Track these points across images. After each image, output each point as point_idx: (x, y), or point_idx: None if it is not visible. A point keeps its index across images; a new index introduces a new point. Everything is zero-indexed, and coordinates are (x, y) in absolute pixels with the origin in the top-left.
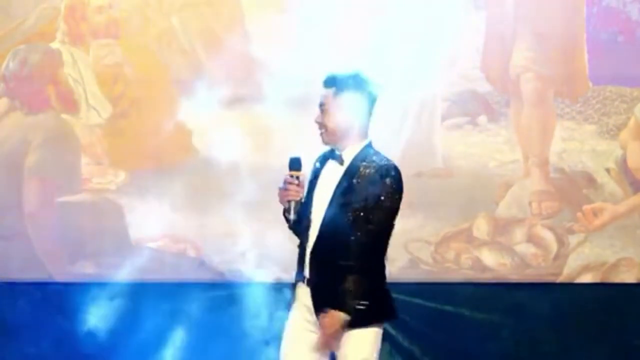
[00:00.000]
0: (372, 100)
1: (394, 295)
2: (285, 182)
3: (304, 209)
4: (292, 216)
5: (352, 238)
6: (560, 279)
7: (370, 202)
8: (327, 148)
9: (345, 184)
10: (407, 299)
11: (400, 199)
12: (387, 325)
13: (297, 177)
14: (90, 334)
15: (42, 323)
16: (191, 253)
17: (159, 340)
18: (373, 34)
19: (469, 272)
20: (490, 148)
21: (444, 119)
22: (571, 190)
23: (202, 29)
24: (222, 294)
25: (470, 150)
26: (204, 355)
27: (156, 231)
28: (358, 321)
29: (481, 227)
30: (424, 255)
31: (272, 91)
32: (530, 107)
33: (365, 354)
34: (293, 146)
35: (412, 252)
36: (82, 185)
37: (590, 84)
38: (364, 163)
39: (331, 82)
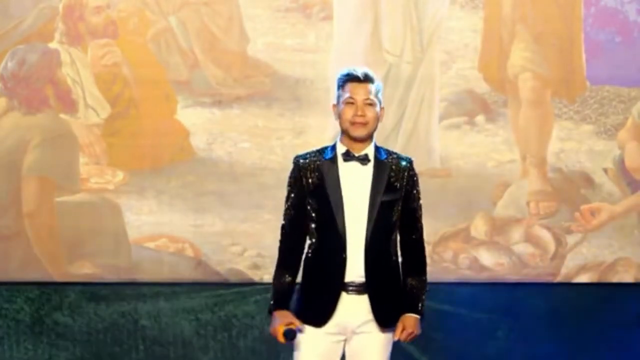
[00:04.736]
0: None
1: None
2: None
3: (327, 217)
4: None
5: (413, 237)
6: (558, 279)
7: (411, 197)
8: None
9: (381, 182)
10: None
11: None
12: None
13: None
14: (89, 334)
15: (41, 323)
16: (189, 253)
17: (158, 339)
18: (370, 34)
19: (466, 272)
20: (488, 148)
21: (441, 119)
22: (569, 190)
23: (200, 29)
24: (220, 294)
25: (468, 150)
26: (202, 355)
27: (154, 231)
28: (394, 319)
29: (479, 227)
30: None
31: (270, 91)
32: (528, 107)
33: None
34: (291, 146)
35: None
36: (80, 185)
37: (588, 84)
38: (390, 159)
39: (370, 78)
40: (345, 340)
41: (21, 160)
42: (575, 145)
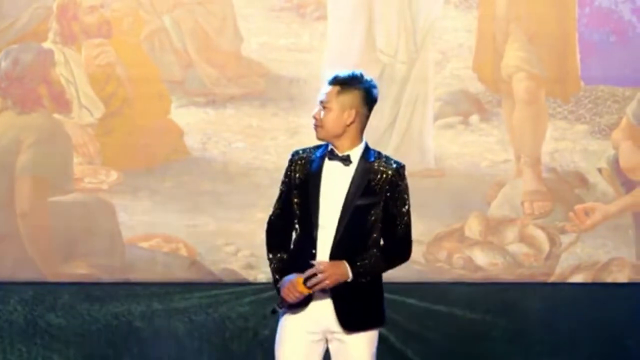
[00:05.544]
0: (372, 102)
1: (386, 295)
2: (297, 292)
3: (306, 213)
4: (279, 306)
5: (391, 241)
6: (552, 279)
7: (391, 203)
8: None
9: (360, 185)
10: (399, 298)
11: None
12: None
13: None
14: (83, 336)
15: (34, 324)
16: (183, 253)
17: (152, 340)
18: (364, 34)
19: (461, 272)
20: (482, 148)
21: (436, 118)
22: (563, 190)
23: (194, 29)
24: (214, 294)
25: (462, 150)
26: (196, 356)
27: (148, 231)
28: (364, 324)
29: (473, 227)
30: (416, 255)
31: (264, 91)
32: (522, 106)
33: (371, 357)
34: (285, 146)
35: None
36: (74, 185)
37: (582, 84)
38: (376, 163)
39: (335, 81)
40: (326, 340)
41: (15, 160)
42: (570, 145)
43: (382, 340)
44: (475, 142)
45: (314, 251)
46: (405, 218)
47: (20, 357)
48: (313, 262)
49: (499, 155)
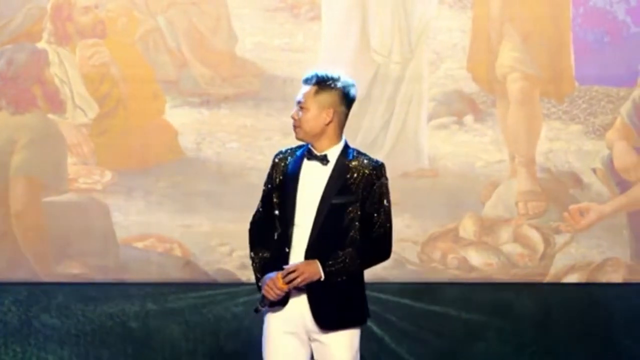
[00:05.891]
0: (350, 101)
1: (381, 295)
2: (277, 288)
3: (284, 212)
4: (261, 305)
5: (368, 239)
6: (547, 279)
7: (368, 201)
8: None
9: (337, 183)
10: (394, 299)
11: None
12: (373, 326)
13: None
14: (77, 336)
15: (29, 324)
16: (177, 253)
17: (146, 341)
18: (358, 34)
19: (455, 272)
20: (476, 148)
21: (430, 119)
22: (558, 190)
23: (188, 29)
24: (208, 294)
25: (456, 150)
26: (190, 357)
27: (142, 231)
28: (341, 323)
29: (467, 227)
30: (410, 256)
31: (259, 91)
32: (516, 107)
33: (352, 356)
34: (279, 146)
35: (398, 252)
36: (68, 185)
37: (577, 84)
38: (354, 162)
39: (312, 80)
40: (310, 340)
41: (9, 160)
42: (564, 145)
43: (377, 340)
44: (470, 142)
45: (287, 250)
46: (384, 216)
47: (14, 357)
48: (285, 266)
49: (494, 155)
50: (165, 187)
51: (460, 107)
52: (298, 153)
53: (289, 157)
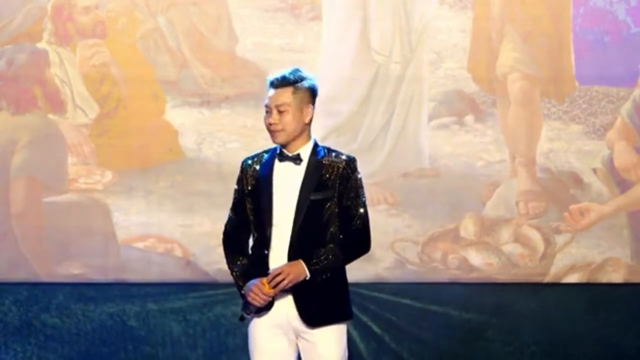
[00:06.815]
0: (316, 96)
1: (381, 295)
2: (263, 294)
3: (259, 215)
4: (246, 312)
5: (348, 232)
6: (547, 279)
7: (344, 195)
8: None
9: (313, 180)
10: (394, 299)
11: None
12: (373, 325)
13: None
14: (78, 335)
15: (29, 324)
16: (178, 253)
17: (146, 341)
18: (359, 34)
19: (455, 272)
20: (477, 148)
21: (430, 119)
22: (558, 190)
23: (188, 29)
24: (208, 294)
25: (457, 150)
26: (190, 356)
27: (143, 231)
28: (328, 318)
29: (468, 227)
30: (411, 255)
31: (259, 91)
32: (517, 107)
33: (340, 353)
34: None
35: (398, 252)
36: (68, 185)
37: (577, 84)
38: (326, 158)
39: (286, 81)
40: (297, 339)
41: (9, 160)
42: (564, 145)
43: (377, 340)
44: (470, 143)
45: (266, 252)
46: (361, 210)
47: (15, 357)
48: (269, 270)
49: (494, 155)
50: (166, 187)
51: (460, 107)
52: (266, 157)
53: (258, 162)
